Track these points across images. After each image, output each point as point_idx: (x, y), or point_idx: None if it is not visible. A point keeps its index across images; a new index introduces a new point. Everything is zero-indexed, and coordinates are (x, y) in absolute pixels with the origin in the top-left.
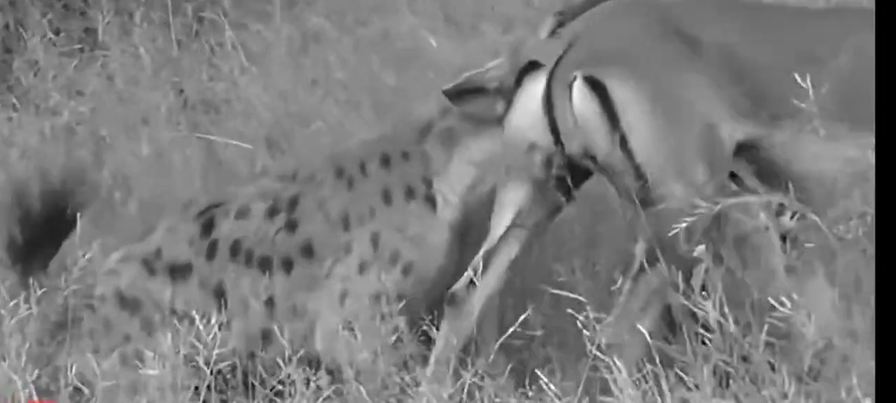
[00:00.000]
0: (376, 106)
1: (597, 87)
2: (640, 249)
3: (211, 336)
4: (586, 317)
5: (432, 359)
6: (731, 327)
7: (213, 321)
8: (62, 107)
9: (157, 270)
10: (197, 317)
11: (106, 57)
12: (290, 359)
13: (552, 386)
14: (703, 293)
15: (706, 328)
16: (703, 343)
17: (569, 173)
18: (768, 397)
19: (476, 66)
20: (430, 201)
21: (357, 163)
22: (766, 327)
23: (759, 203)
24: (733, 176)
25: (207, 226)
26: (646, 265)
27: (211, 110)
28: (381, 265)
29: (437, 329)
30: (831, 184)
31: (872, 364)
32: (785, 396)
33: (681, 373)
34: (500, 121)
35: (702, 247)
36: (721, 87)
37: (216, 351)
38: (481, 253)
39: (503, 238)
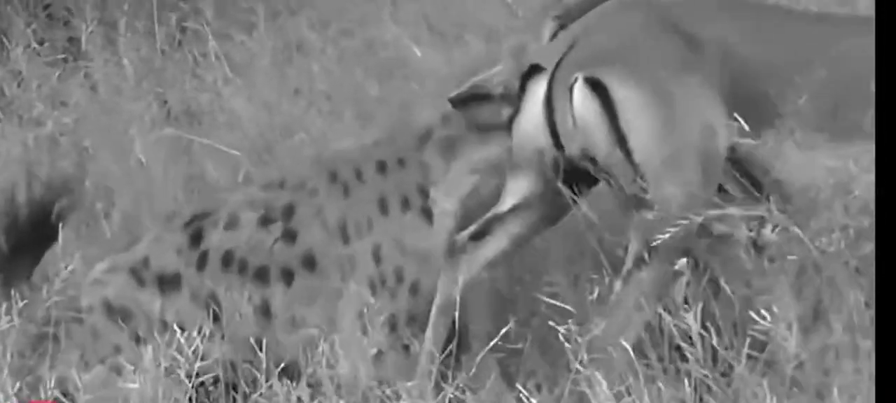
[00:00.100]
0: (360, 116)
1: (597, 88)
2: (633, 250)
3: (193, 348)
4: (568, 329)
5: (427, 334)
6: (713, 340)
7: (194, 333)
8: (46, 117)
9: (146, 281)
10: (178, 330)
11: (89, 67)
12: (268, 371)
13: (533, 401)
14: (685, 306)
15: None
16: (684, 357)
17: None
18: None
19: (460, 75)
20: (427, 214)
21: (352, 168)
22: (747, 340)
23: (740, 215)
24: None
25: (196, 237)
26: (638, 265)
27: (194, 121)
28: (390, 285)
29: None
30: (814, 194)
31: (852, 378)
32: None
33: (661, 386)
34: (505, 126)
35: (683, 261)
36: (719, 89)
37: (198, 364)
38: (489, 215)
39: (512, 211)
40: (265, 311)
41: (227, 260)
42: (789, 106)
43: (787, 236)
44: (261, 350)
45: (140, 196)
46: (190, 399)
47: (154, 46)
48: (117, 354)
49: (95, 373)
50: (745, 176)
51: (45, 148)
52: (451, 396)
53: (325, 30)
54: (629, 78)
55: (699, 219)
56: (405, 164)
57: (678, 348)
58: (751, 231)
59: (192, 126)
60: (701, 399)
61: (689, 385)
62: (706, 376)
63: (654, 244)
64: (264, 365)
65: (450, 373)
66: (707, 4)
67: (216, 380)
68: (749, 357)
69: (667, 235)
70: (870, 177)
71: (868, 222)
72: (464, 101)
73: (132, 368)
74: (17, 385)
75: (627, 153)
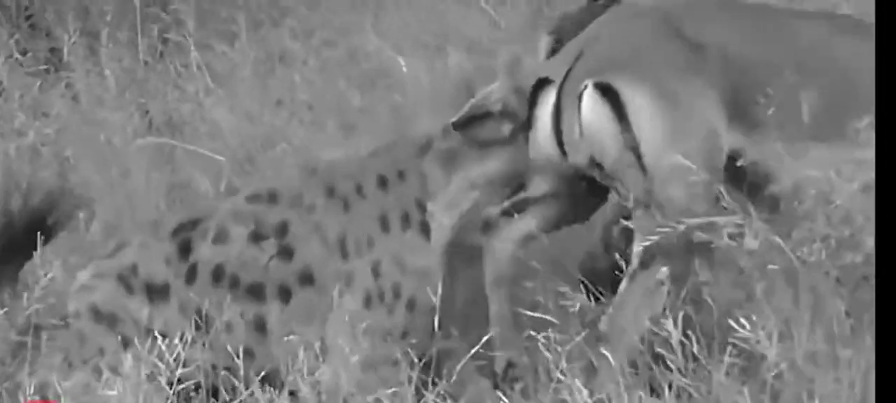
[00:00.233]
0: (343, 126)
1: (608, 92)
2: (637, 250)
3: (174, 355)
4: (547, 338)
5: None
6: (694, 348)
7: (176, 340)
8: (27, 127)
9: (135, 288)
10: (159, 337)
11: (71, 77)
12: (248, 379)
13: None
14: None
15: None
16: (667, 366)
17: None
18: None
19: (442, 87)
20: (425, 229)
21: (352, 182)
22: (729, 348)
23: (722, 223)
24: None
25: (185, 248)
26: (643, 265)
27: (176, 131)
28: (388, 301)
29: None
30: (797, 204)
31: (833, 386)
32: None
33: (642, 394)
34: (506, 141)
35: (665, 270)
36: (719, 92)
37: (180, 371)
38: (519, 196)
39: (541, 197)
40: (260, 327)
41: (217, 274)
42: (786, 109)
43: (768, 245)
44: (238, 357)
45: (122, 205)
46: None
47: (136, 57)
48: (101, 356)
49: (76, 379)
50: (734, 181)
51: (26, 158)
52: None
53: (307, 40)
54: (639, 82)
55: (681, 227)
56: (405, 177)
57: (659, 356)
58: (732, 239)
59: (174, 136)
60: None
61: (670, 392)
62: (688, 384)
63: (639, 248)
64: (242, 373)
65: (430, 380)
66: (707, 6)
67: (197, 387)
68: (731, 365)
69: (655, 238)
70: (852, 187)
71: (849, 232)
72: (466, 123)
73: (113, 374)
74: None
75: (638, 156)
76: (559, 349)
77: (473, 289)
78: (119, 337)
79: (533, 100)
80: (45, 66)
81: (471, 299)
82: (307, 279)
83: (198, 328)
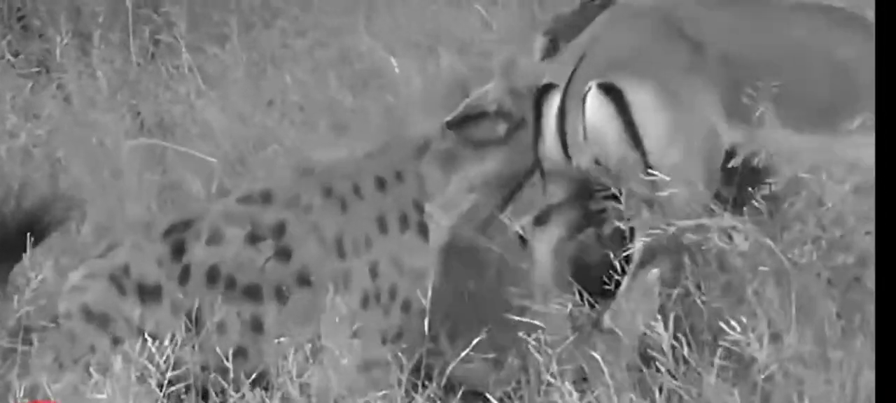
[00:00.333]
0: (334, 127)
1: (612, 92)
2: (639, 247)
3: (164, 356)
4: (538, 340)
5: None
6: (685, 350)
7: (166, 341)
8: (19, 129)
9: (127, 289)
10: (150, 339)
11: (63, 79)
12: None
13: None
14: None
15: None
16: (658, 369)
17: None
18: None
19: (434, 87)
20: (423, 230)
21: (349, 183)
22: (719, 351)
23: (713, 225)
24: None
25: (177, 249)
26: (644, 262)
27: (168, 133)
28: (384, 302)
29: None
30: (787, 204)
31: (824, 388)
32: None
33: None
34: (501, 142)
35: (656, 271)
36: (719, 91)
37: (170, 373)
38: (543, 205)
39: (559, 206)
40: (256, 327)
41: (212, 275)
42: (783, 104)
43: (759, 247)
44: (228, 360)
45: (113, 206)
46: None
47: (128, 59)
48: (92, 354)
49: (67, 381)
50: (728, 181)
51: (18, 160)
52: None
53: (299, 41)
54: (642, 81)
55: (671, 229)
56: (403, 178)
57: (650, 358)
58: (723, 240)
59: (165, 138)
60: None
61: (661, 395)
62: (678, 387)
63: (625, 254)
64: (232, 376)
65: (419, 383)
66: (706, 4)
67: (188, 389)
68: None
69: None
70: (843, 189)
71: (840, 233)
72: (461, 123)
73: (102, 376)
74: None
75: (643, 154)
76: (550, 351)
77: (466, 291)
78: (111, 337)
79: (538, 108)
80: (37, 68)
81: (461, 301)
82: (304, 279)
83: (188, 330)
